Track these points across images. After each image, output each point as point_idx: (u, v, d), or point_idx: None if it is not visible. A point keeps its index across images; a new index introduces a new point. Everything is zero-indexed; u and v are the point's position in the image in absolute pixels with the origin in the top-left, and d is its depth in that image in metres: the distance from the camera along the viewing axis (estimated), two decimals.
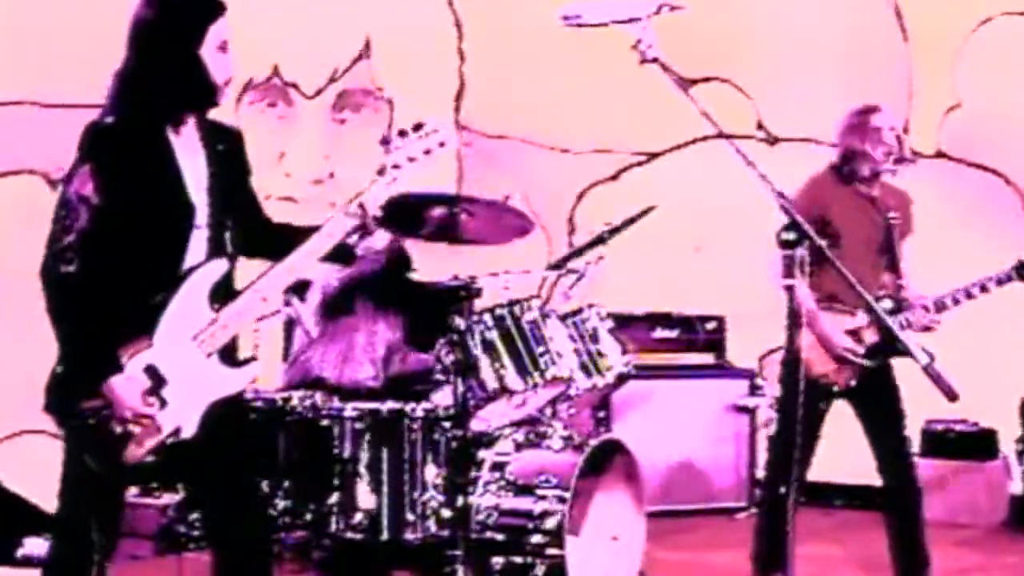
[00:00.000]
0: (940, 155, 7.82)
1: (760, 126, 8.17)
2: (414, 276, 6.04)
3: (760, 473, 7.77)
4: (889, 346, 5.40)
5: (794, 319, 5.25)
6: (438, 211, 5.18)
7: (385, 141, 4.01)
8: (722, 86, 8.15)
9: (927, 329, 5.48)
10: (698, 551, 6.81)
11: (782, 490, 4.93)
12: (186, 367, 3.80)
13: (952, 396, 5.10)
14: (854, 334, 5.51)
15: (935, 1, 7.68)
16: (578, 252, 6.25)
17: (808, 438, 5.43)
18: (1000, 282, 5.52)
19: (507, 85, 8.42)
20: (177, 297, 3.81)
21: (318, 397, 5.54)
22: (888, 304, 5.45)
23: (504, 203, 5.57)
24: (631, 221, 6.09)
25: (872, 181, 5.60)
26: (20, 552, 5.65)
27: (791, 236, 4.34)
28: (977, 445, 7.72)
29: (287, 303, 6.24)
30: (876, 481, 5.69)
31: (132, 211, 3.76)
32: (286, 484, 5.34)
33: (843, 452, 5.86)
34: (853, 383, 5.54)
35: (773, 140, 8.09)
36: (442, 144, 4.03)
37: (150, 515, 6.18)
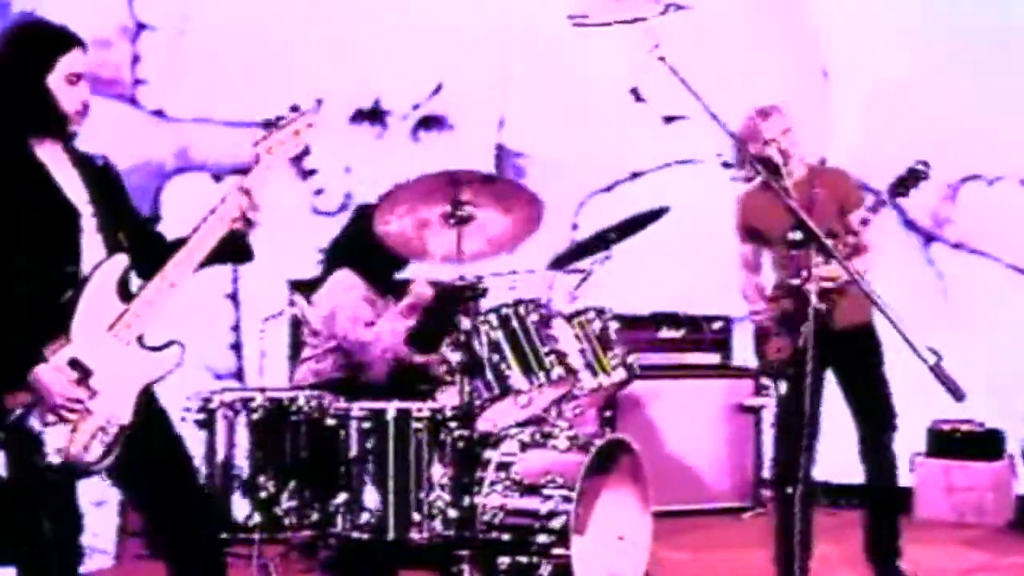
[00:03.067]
0: None
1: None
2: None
3: (766, 473, 7.80)
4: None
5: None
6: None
7: (267, 124, 4.13)
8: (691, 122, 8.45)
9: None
10: (704, 551, 6.80)
11: (788, 490, 4.97)
12: (108, 357, 3.95)
13: (959, 396, 5.11)
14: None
15: (850, 66, 8.47)
16: (582, 248, 6.22)
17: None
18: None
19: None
20: (86, 293, 3.96)
21: (324, 397, 5.53)
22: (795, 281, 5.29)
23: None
24: (639, 222, 6.08)
25: (777, 177, 5.51)
26: None
27: (799, 236, 4.38)
28: (983, 445, 7.71)
29: (291, 302, 6.26)
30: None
31: (15, 218, 3.91)
32: (292, 484, 5.33)
33: (852, 452, 5.87)
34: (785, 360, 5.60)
35: (727, 164, 8.42)
36: (310, 125, 4.19)
37: None
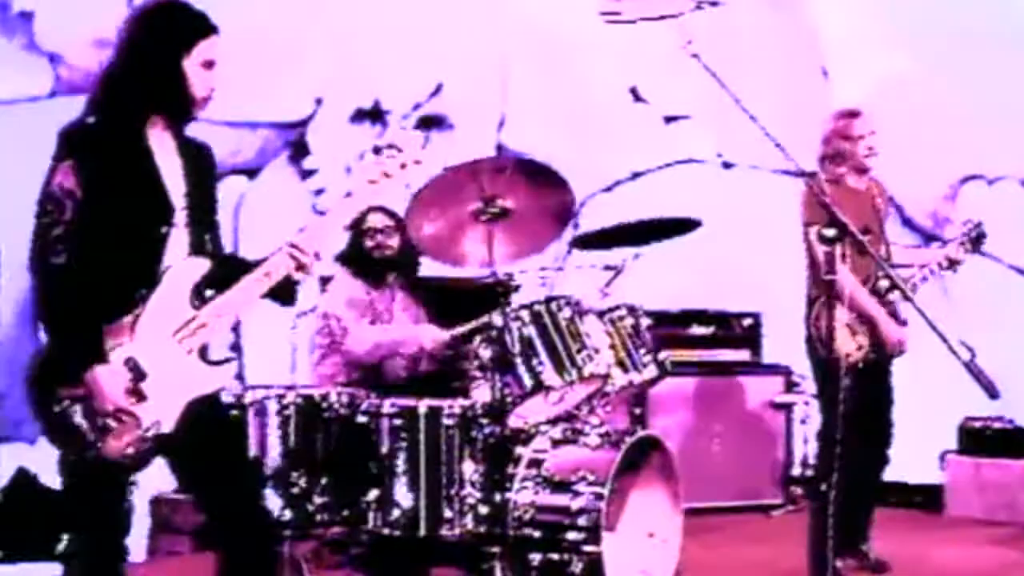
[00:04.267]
0: None
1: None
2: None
3: (796, 470, 7.81)
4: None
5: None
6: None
7: (376, 151, 4.07)
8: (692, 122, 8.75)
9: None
10: (734, 548, 6.80)
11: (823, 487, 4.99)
12: (166, 362, 3.85)
13: (993, 393, 5.12)
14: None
15: (850, 65, 8.62)
16: (605, 233, 6.21)
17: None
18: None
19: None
20: (158, 292, 3.88)
21: (356, 394, 5.54)
22: (885, 283, 5.84)
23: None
24: (669, 228, 6.08)
25: (858, 176, 6.02)
26: (60, 548, 5.70)
27: (832, 233, 4.39)
28: (1015, 442, 7.69)
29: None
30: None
31: (112, 206, 3.83)
32: (324, 480, 5.35)
33: None
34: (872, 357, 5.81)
35: (728, 165, 8.50)
36: (417, 162, 4.10)
37: (188, 511, 6.20)
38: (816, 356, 5.94)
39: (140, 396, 3.82)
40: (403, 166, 4.09)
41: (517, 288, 5.47)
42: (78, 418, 3.81)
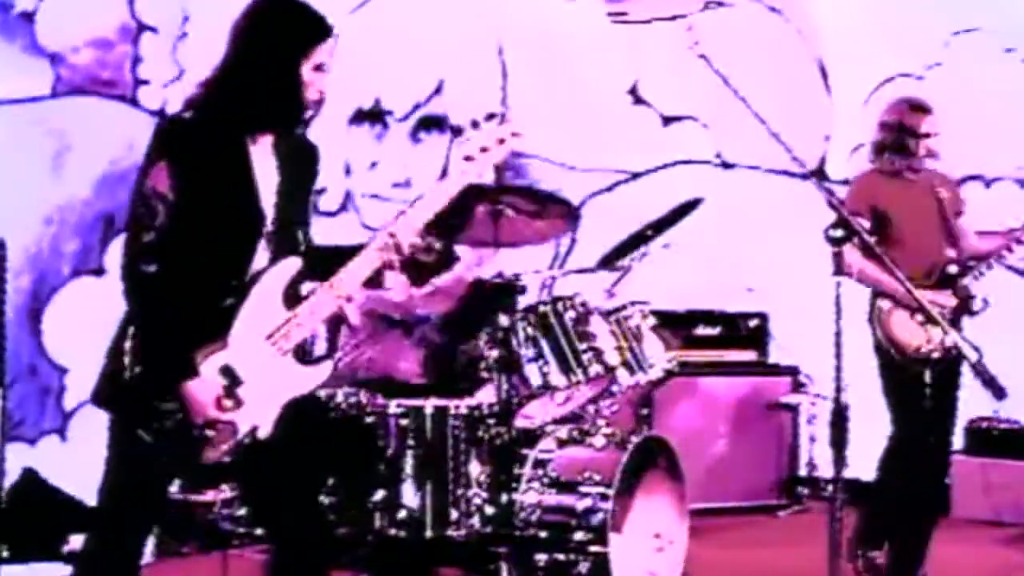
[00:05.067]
0: (847, 182, 8.34)
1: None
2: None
3: (803, 471, 7.79)
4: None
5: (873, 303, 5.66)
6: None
7: (458, 131, 3.97)
8: (691, 123, 8.71)
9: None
10: (741, 549, 6.78)
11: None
12: (261, 366, 3.77)
13: (1000, 394, 5.11)
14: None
15: (849, 65, 8.68)
16: (623, 248, 6.21)
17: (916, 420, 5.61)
18: None
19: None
20: (251, 296, 3.79)
21: (362, 394, 5.53)
22: (953, 269, 5.78)
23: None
24: (675, 216, 6.07)
25: (916, 169, 5.89)
26: (66, 548, 5.68)
27: (839, 233, 4.37)
28: (1021, 443, 7.67)
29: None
30: None
31: (205, 212, 3.71)
32: (330, 481, 5.33)
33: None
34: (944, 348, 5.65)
35: (728, 165, 8.74)
36: (515, 134, 3.98)
37: (196, 512, 6.18)
38: (882, 356, 5.79)
39: (237, 402, 3.73)
40: (501, 140, 3.96)
41: (523, 289, 5.46)
42: (173, 430, 3.71)
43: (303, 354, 3.87)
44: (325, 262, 3.90)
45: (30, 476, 6.17)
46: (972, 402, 6.08)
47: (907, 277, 5.57)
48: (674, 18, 6.78)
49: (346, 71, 8.11)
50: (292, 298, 3.83)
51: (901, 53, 8.41)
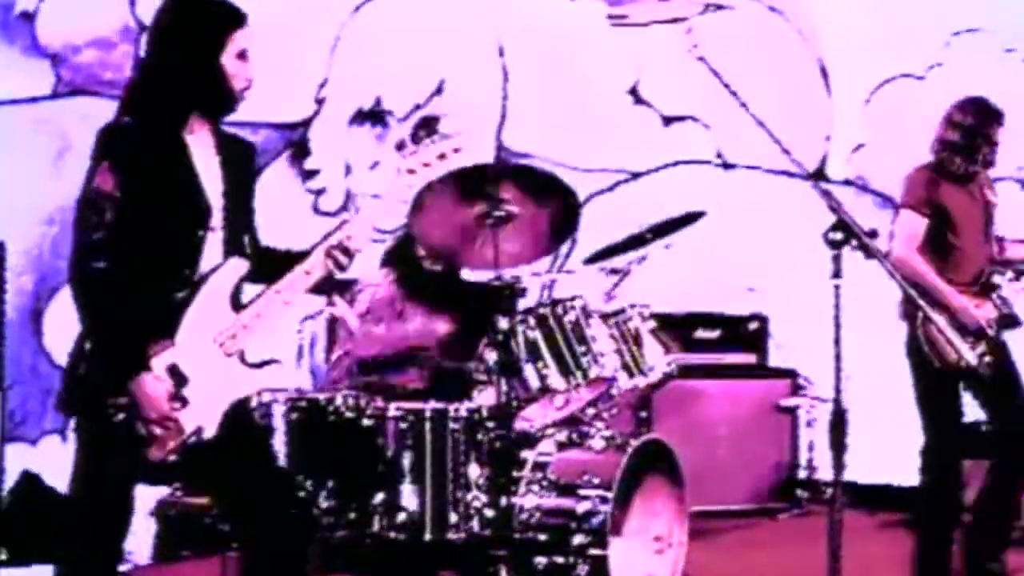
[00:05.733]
0: (848, 183, 8.56)
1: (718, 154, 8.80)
2: (464, 277, 6.06)
3: (802, 473, 7.79)
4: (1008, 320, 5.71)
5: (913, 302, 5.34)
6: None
7: (400, 146, 4.03)
8: (692, 123, 8.71)
9: None
10: (740, 552, 6.79)
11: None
12: (207, 367, 3.83)
13: None
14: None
15: (849, 65, 8.69)
16: (616, 248, 6.21)
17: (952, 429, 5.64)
18: None
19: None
20: (199, 297, 3.84)
21: (361, 397, 5.53)
22: (998, 277, 5.76)
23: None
24: (674, 225, 6.06)
25: (973, 173, 5.87)
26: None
27: (838, 236, 4.36)
28: None
29: (331, 302, 6.24)
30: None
31: (151, 209, 3.78)
32: (329, 484, 5.33)
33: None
34: (989, 360, 5.60)
35: (728, 165, 8.76)
36: (456, 150, 4.04)
37: (195, 514, 6.17)
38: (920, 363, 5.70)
39: (183, 402, 3.79)
40: (442, 156, 4.02)
41: (523, 292, 5.46)
42: (124, 426, 3.76)
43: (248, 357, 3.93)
44: (276, 265, 3.97)
45: (29, 478, 6.18)
46: (972, 403, 6.08)
47: (953, 282, 5.62)
48: (674, 21, 6.78)
49: (346, 71, 8.15)
50: (238, 300, 3.90)
51: (901, 53, 8.42)
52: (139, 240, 3.77)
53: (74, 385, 3.84)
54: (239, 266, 3.91)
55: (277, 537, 3.94)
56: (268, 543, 3.94)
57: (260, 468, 4.02)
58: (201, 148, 3.91)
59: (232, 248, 3.93)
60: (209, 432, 3.83)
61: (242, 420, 3.95)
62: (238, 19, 3.93)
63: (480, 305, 5.59)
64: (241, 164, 4.04)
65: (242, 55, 3.91)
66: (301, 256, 3.97)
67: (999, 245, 5.93)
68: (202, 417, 3.82)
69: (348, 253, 3.94)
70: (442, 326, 6.11)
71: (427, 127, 4.05)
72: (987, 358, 5.60)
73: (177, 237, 3.84)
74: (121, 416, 3.74)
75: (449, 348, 6.01)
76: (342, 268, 3.95)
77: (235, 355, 3.88)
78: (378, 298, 6.11)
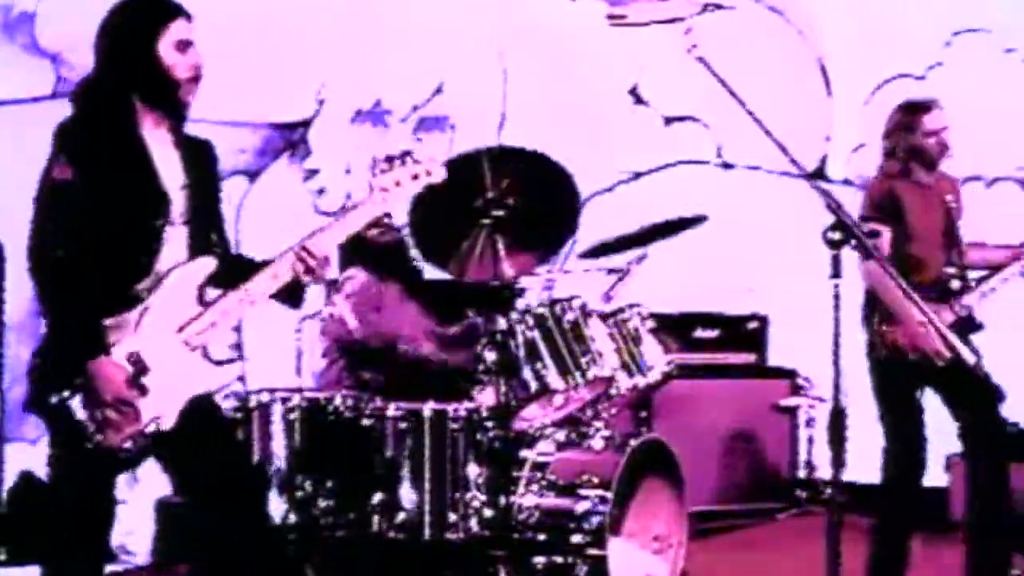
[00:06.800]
0: (847, 182, 8.52)
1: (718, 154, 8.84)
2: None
3: (801, 473, 7.79)
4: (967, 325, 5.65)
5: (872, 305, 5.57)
6: None
7: (374, 165, 4.08)
8: (692, 123, 8.74)
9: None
10: (739, 551, 6.79)
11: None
12: (170, 358, 3.89)
13: (999, 397, 5.11)
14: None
15: (849, 65, 8.72)
16: (613, 245, 6.20)
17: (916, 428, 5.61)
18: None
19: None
20: (164, 288, 3.92)
21: (360, 396, 5.54)
22: (956, 284, 5.67)
23: None
24: (673, 228, 6.06)
25: (927, 172, 5.80)
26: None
27: (837, 236, 4.36)
28: (1020, 446, 7.65)
29: (330, 302, 6.25)
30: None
31: (107, 198, 3.86)
32: (328, 484, 5.34)
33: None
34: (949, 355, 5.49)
35: (728, 165, 8.81)
36: (428, 173, 4.15)
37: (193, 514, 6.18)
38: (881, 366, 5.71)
39: (142, 390, 3.85)
40: (415, 177, 4.13)
41: (522, 291, 5.46)
42: (77, 408, 3.81)
43: (212, 353, 4.01)
44: (247, 272, 4.02)
45: (28, 478, 6.18)
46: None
47: (912, 287, 5.59)
48: (672, 21, 6.78)
49: (346, 71, 8.16)
50: (204, 296, 3.97)
51: (901, 53, 8.42)
52: (96, 229, 3.85)
53: (32, 380, 3.91)
54: (207, 264, 3.99)
55: (237, 533, 3.99)
56: (228, 538, 3.99)
57: (219, 464, 4.04)
58: (157, 142, 4.00)
59: (198, 245, 4.02)
60: (167, 423, 3.88)
61: (203, 413, 3.99)
62: (172, 11, 4.03)
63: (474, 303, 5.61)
64: (203, 163, 4.13)
65: (181, 46, 3.99)
66: (266, 265, 4.05)
67: (958, 250, 5.85)
68: (161, 407, 3.88)
69: (314, 258, 4.00)
70: (426, 322, 6.13)
71: (403, 155, 4.11)
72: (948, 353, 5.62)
73: (135, 226, 3.91)
74: (74, 397, 3.79)
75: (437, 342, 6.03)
76: (311, 273, 4.02)
77: (198, 349, 3.94)
78: (360, 291, 6.11)
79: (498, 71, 8.59)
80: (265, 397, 5.47)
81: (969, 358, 4.86)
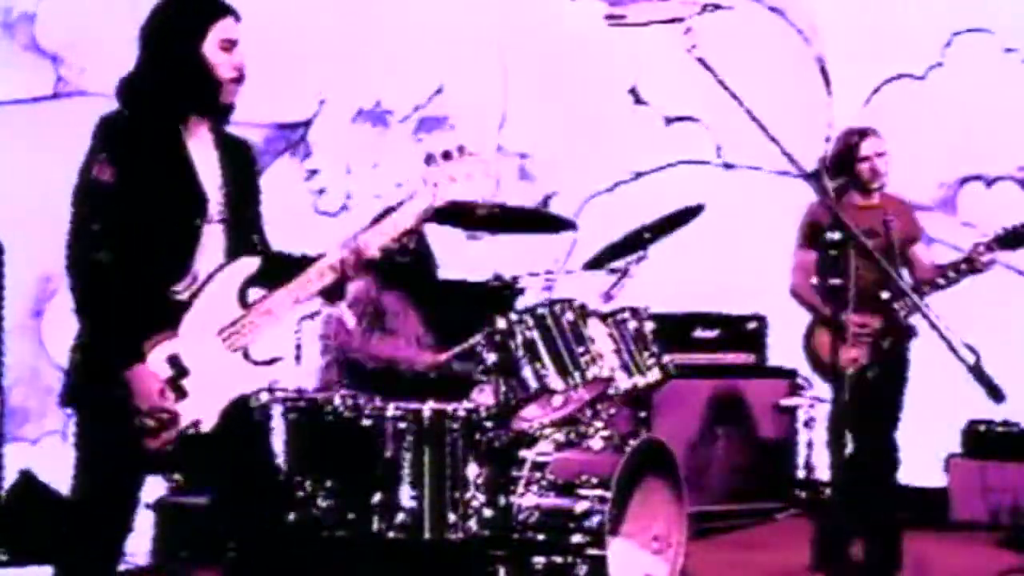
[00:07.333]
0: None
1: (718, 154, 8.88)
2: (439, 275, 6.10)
3: (800, 473, 7.80)
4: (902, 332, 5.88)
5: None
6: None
7: (429, 159, 4.03)
8: (692, 123, 8.77)
9: None
10: (739, 552, 6.80)
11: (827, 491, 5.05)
12: (210, 360, 3.84)
13: (998, 396, 5.11)
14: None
15: (850, 66, 8.77)
16: (615, 249, 6.21)
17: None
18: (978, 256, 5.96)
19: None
20: (207, 290, 3.87)
21: (360, 397, 5.53)
22: (885, 295, 5.86)
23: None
24: (674, 221, 6.05)
25: (867, 194, 6.06)
26: None
27: (837, 236, 4.37)
28: (1020, 446, 7.68)
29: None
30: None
31: (147, 198, 3.81)
32: (328, 484, 5.34)
33: None
34: (866, 362, 5.81)
35: (728, 165, 8.85)
36: (485, 174, 4.05)
37: (193, 514, 6.18)
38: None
39: (181, 393, 3.81)
40: (469, 175, 4.02)
41: (521, 292, 5.46)
42: (119, 415, 3.76)
43: (254, 354, 3.94)
44: (286, 269, 3.99)
45: (28, 478, 6.18)
46: (970, 404, 6.09)
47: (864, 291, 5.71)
48: (672, 21, 6.78)
49: (347, 71, 8.16)
50: (246, 297, 3.92)
51: (901, 53, 8.43)
52: (136, 230, 3.80)
53: (72, 376, 3.86)
54: (249, 264, 3.94)
55: (266, 534, 3.97)
56: (258, 539, 3.97)
57: (255, 465, 4.03)
58: (198, 141, 3.95)
59: (238, 246, 3.97)
60: (207, 426, 3.84)
61: (242, 416, 3.95)
62: (219, 10, 3.97)
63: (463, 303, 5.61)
64: (243, 163, 4.08)
65: (226, 45, 3.94)
66: (313, 260, 3.99)
67: (910, 266, 6.10)
68: (202, 410, 3.83)
69: (361, 259, 3.96)
70: (425, 336, 6.12)
71: (459, 149, 4.04)
72: (864, 361, 5.85)
73: (173, 226, 3.86)
74: (113, 407, 3.75)
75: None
76: (354, 274, 3.98)
77: (240, 351, 3.89)
78: (360, 296, 6.11)
79: (498, 71, 8.60)
80: (265, 397, 5.46)
81: (968, 358, 4.85)
